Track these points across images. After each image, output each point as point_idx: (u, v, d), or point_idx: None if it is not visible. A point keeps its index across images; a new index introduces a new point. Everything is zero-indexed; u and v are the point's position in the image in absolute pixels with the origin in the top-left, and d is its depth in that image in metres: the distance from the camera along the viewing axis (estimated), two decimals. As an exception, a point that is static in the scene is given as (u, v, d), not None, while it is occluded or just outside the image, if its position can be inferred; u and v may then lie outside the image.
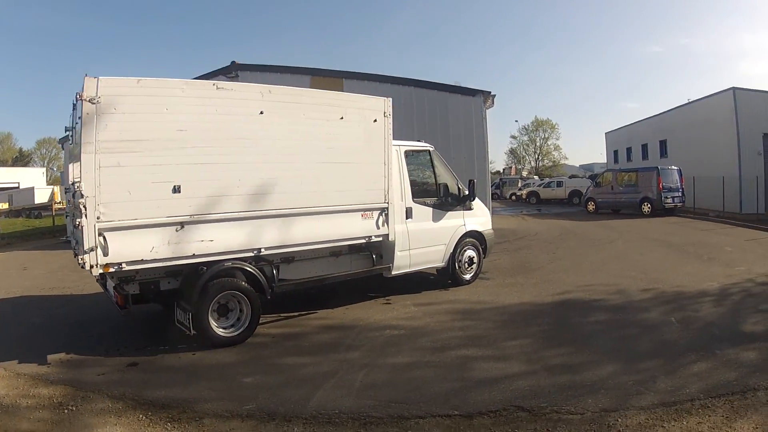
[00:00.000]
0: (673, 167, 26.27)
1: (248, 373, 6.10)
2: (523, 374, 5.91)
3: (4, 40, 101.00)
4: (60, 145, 42.92)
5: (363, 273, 9.30)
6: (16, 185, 52.50)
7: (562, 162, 75.65)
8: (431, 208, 10.11)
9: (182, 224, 6.77)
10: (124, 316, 7.29)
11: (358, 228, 8.65)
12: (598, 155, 51.88)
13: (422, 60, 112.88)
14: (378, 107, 8.84)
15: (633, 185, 26.47)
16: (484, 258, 11.21)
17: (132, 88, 6.39)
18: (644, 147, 38.71)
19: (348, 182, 8.44)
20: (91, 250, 6.19)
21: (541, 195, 42.20)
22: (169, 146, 6.63)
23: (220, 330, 7.15)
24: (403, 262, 9.61)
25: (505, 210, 35.82)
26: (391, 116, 8.97)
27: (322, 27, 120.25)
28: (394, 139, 9.19)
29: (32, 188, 42.72)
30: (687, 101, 33.13)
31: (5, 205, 39.70)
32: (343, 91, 21.47)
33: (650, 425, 4.64)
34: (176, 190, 6.67)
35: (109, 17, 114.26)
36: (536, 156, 76.31)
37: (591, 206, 28.73)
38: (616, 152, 45.54)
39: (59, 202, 33.47)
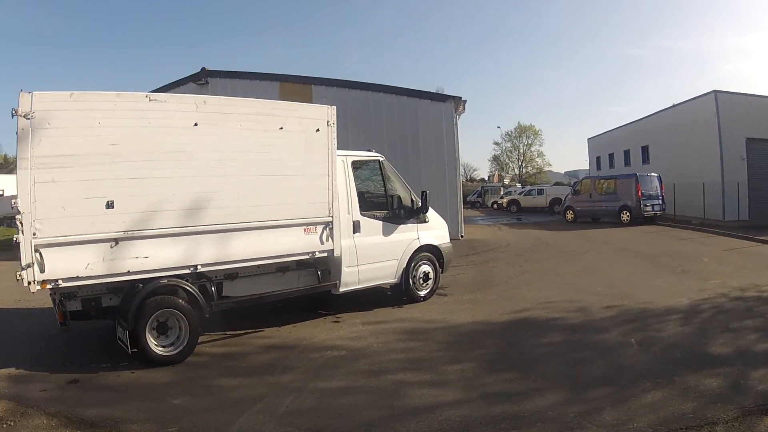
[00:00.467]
0: (652, 174, 26.03)
1: (178, 394, 6.03)
2: (458, 403, 5.52)
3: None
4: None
5: (310, 290, 8.93)
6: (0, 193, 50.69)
7: (547, 169, 75.57)
8: (381, 222, 9.66)
9: (116, 240, 6.69)
10: (62, 333, 7.13)
11: (300, 243, 8.29)
12: (584, 162, 51.90)
13: (395, 65, 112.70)
14: (321, 116, 8.48)
15: (612, 193, 26.17)
16: (442, 273, 10.76)
17: (65, 103, 6.35)
18: (626, 153, 38.57)
19: (288, 195, 8.12)
20: (28, 266, 6.17)
21: (521, 203, 41.98)
22: (102, 161, 6.55)
23: (159, 348, 7.01)
24: (351, 279, 9.17)
25: (484, 219, 35.56)
26: (335, 125, 8.58)
27: (296, 31, 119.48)
28: (348, 148, 8.94)
29: (11, 197, 40.95)
30: (672, 105, 32.97)
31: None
32: (311, 97, 21.49)
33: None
34: (109, 205, 6.60)
35: (81, 16, 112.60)
36: (519, 163, 76.14)
37: (570, 215, 28.38)
38: (598, 158, 45.42)
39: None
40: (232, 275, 8.09)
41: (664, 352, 6.86)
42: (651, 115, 35.42)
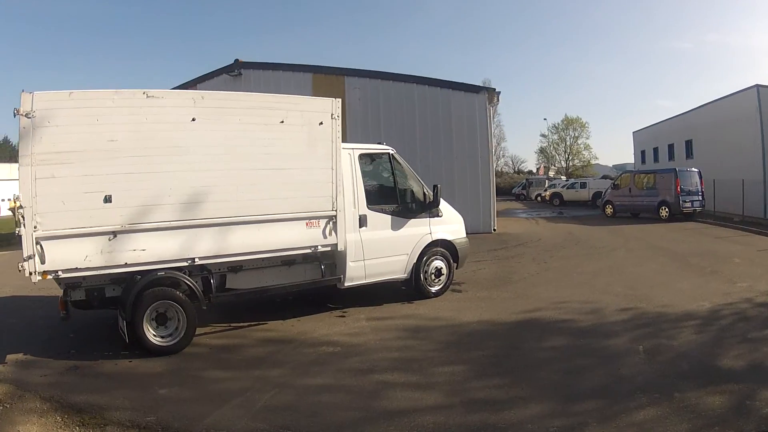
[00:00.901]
0: (693, 169, 24.67)
1: (167, 384, 6.08)
2: (436, 408, 5.24)
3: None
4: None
5: (315, 284, 8.74)
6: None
7: (594, 162, 73.22)
8: (390, 216, 9.34)
9: (114, 233, 6.76)
10: (63, 321, 7.26)
11: (302, 237, 8.12)
12: (632, 155, 50.08)
13: (439, 58, 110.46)
14: (324, 109, 8.25)
15: (651, 188, 24.93)
16: (457, 269, 10.37)
17: (64, 101, 6.48)
18: (670, 147, 36.85)
19: (289, 189, 7.95)
20: (30, 257, 6.34)
21: (564, 196, 40.86)
22: (100, 157, 6.65)
23: (157, 339, 7.07)
24: (357, 273, 8.92)
25: (524, 212, 34.71)
26: (340, 118, 8.35)
27: (330, 23, 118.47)
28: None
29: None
30: (714, 99, 31.33)
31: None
32: (344, 88, 21.34)
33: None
34: (107, 199, 6.68)
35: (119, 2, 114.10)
36: (566, 155, 73.99)
37: (609, 210, 27.26)
38: (643, 152, 43.65)
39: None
40: (236, 268, 7.99)
41: (671, 362, 6.29)
42: (694, 109, 33.73)
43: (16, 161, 6.49)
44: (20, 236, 6.34)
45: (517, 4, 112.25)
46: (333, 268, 8.85)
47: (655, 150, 40.33)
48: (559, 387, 5.67)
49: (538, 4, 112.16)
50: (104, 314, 8.02)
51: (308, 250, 8.25)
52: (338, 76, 21.72)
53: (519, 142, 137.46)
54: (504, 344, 7.21)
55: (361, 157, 9.18)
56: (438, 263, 9.89)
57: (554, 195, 41.69)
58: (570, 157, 73.40)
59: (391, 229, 9.33)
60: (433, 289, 9.86)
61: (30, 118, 6.28)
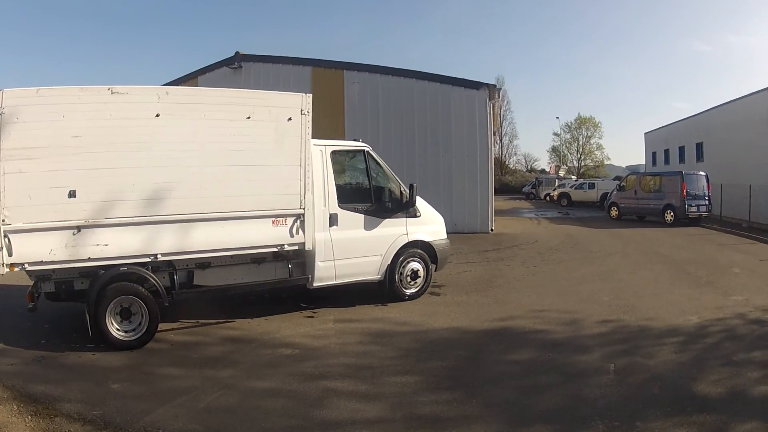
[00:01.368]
0: (700, 172, 23.71)
1: (120, 378, 6.05)
2: (374, 422, 4.93)
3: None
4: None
5: (282, 283, 8.40)
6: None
7: (607, 162, 71.91)
8: (363, 215, 8.88)
9: (78, 228, 6.77)
10: (31, 312, 7.22)
11: (267, 235, 7.81)
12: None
13: (453, 55, 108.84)
14: (293, 104, 7.90)
15: (657, 191, 24.09)
16: (436, 271, 9.88)
17: (31, 98, 6.55)
18: (681, 149, 35.70)
19: (254, 186, 7.69)
20: None
21: (572, 197, 40.00)
22: (65, 152, 6.67)
23: (120, 333, 7.02)
24: (327, 274, 8.53)
25: (530, 212, 34.05)
26: (310, 113, 7.97)
27: (361, 20, 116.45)
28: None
29: None
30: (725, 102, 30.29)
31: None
32: (343, 82, 20.90)
33: None
34: (72, 194, 6.70)
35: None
36: (578, 155, 72.65)
37: (614, 212, 26.42)
38: (654, 154, 42.49)
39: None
40: (204, 264, 7.78)
41: (641, 385, 5.69)
42: (706, 111, 32.57)
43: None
44: None
45: (535, 2, 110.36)
46: (302, 268, 8.47)
47: (666, 152, 39.24)
48: (512, 407, 5.19)
49: (557, 3, 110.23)
50: (81, 306, 7.77)
51: (274, 249, 7.92)
52: (337, 70, 21.35)
53: (532, 140, 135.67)
54: (466, 355, 6.73)
55: (334, 154, 8.75)
56: (414, 265, 9.40)
57: (562, 195, 40.85)
58: (582, 157, 72.13)
59: (364, 228, 8.88)
60: (408, 292, 9.38)
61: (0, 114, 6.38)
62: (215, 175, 7.43)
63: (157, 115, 7.06)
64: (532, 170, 77.30)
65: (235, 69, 22.68)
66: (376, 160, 9.17)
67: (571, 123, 72.81)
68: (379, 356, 6.67)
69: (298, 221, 7.92)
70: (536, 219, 27.99)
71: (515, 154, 79.84)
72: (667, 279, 11.39)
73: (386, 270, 9.11)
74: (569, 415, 4.95)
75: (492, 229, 20.37)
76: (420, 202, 9.53)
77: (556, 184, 47.07)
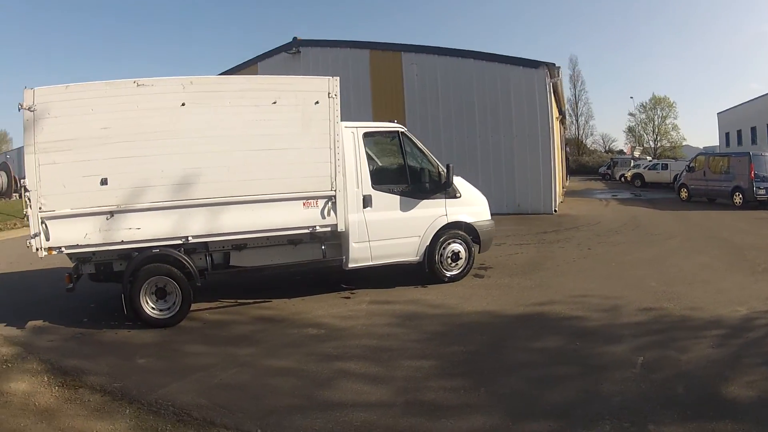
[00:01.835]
0: None
1: (148, 354, 6.35)
2: (375, 405, 4.85)
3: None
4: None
5: (317, 264, 8.52)
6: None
7: (683, 143, 67.55)
8: (398, 196, 8.75)
9: (111, 213, 7.06)
10: (69, 292, 7.56)
11: (299, 217, 7.88)
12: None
13: (522, 36, 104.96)
14: (321, 88, 7.87)
15: (726, 172, 22.19)
16: (479, 252, 9.63)
17: (61, 95, 6.87)
18: (753, 130, 32.93)
19: (283, 170, 7.76)
20: (36, 235, 6.82)
21: (645, 177, 37.75)
22: (95, 143, 6.96)
23: (155, 312, 7.35)
24: (362, 255, 8.51)
25: (601, 193, 32.53)
26: (338, 96, 7.93)
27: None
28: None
29: None
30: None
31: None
32: (401, 64, 20.65)
33: None
34: (104, 182, 7.01)
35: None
36: (654, 136, 68.54)
37: (684, 193, 24.66)
38: (727, 134, 39.44)
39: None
40: (240, 246, 7.93)
41: (666, 382, 5.17)
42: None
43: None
44: (28, 216, 6.84)
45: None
46: (337, 249, 8.49)
47: (739, 132, 36.28)
48: (518, 398, 4.96)
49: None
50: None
51: (306, 230, 7.96)
52: (395, 52, 21.06)
53: (608, 120, 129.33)
54: (491, 340, 6.52)
55: (366, 136, 8.65)
56: (456, 246, 9.18)
57: (635, 176, 38.77)
58: (658, 138, 68.04)
59: (400, 209, 8.75)
60: (449, 274, 9.19)
61: (32, 111, 6.72)
62: (242, 160, 7.54)
63: (183, 104, 7.27)
64: (609, 150, 73.88)
65: (294, 54, 22.82)
66: (412, 141, 8.99)
67: (646, 103, 68.74)
68: (402, 339, 6.59)
69: (330, 203, 7.92)
70: (605, 200, 26.65)
71: (592, 134, 76.50)
72: (723, 265, 10.39)
73: (425, 251, 8.95)
74: (577, 412, 4.63)
75: (555, 210, 19.65)
76: (461, 183, 9.29)
77: (631, 165, 44.82)
